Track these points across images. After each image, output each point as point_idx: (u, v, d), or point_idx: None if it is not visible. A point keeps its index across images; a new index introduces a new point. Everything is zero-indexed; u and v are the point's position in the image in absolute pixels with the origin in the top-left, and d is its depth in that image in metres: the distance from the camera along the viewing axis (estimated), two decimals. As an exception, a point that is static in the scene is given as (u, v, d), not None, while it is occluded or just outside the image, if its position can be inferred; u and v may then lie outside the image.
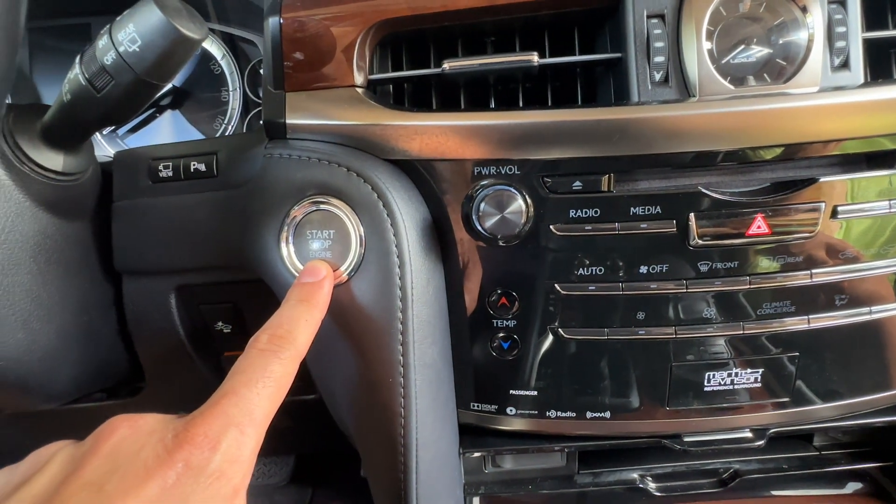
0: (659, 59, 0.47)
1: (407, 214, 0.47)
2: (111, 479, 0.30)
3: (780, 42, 0.46)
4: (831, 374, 0.52)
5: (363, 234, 0.46)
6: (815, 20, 0.46)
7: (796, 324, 0.50)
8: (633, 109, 0.46)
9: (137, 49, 0.41)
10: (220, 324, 0.60)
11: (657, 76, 0.47)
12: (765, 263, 0.48)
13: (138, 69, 0.41)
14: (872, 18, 0.48)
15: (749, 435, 0.55)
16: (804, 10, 0.46)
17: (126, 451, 0.32)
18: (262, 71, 0.66)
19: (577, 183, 0.47)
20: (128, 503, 0.29)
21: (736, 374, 0.51)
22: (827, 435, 0.64)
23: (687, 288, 0.48)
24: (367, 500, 0.56)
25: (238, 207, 0.51)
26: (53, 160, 0.47)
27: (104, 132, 0.76)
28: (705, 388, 0.52)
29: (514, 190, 0.46)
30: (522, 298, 0.50)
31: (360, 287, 0.47)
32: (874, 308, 0.50)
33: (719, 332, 0.50)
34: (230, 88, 0.74)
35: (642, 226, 0.47)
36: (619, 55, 0.48)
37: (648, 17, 0.47)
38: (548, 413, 0.53)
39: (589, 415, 0.53)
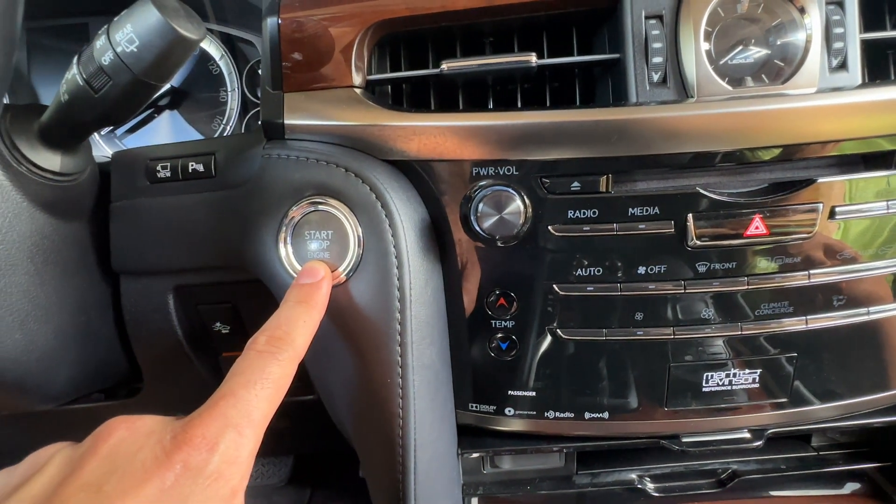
0: (657, 59, 0.47)
1: (405, 215, 0.47)
2: (109, 480, 0.30)
3: (778, 43, 0.46)
4: (829, 374, 0.52)
5: (361, 235, 0.46)
6: (813, 21, 0.46)
7: (794, 324, 0.50)
8: (631, 110, 0.46)
9: (135, 49, 0.41)
10: (218, 324, 0.60)
11: (655, 77, 0.47)
12: (763, 264, 0.48)
13: (136, 69, 0.41)
14: (870, 19, 0.48)
15: (747, 435, 0.55)
16: (802, 11, 0.46)
17: (124, 453, 0.32)
18: (260, 71, 0.66)
19: (576, 183, 0.47)
20: None
21: (734, 375, 0.51)
22: (825, 435, 0.64)
23: (685, 289, 0.48)
24: (366, 501, 0.56)
25: (236, 208, 0.51)
26: (51, 160, 0.47)
27: (102, 132, 0.75)
28: (703, 389, 0.52)
29: (512, 190, 0.46)
30: (521, 299, 0.50)
31: (359, 288, 0.47)
32: (872, 308, 0.50)
33: (717, 333, 0.50)
34: (228, 89, 0.74)
35: (640, 226, 0.47)
36: (617, 56, 0.48)
37: (646, 17, 0.47)
38: (546, 413, 0.53)
39: (587, 415, 0.53)
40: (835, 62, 0.47)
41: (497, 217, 0.46)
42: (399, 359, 0.47)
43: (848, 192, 0.47)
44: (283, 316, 0.41)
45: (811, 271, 0.48)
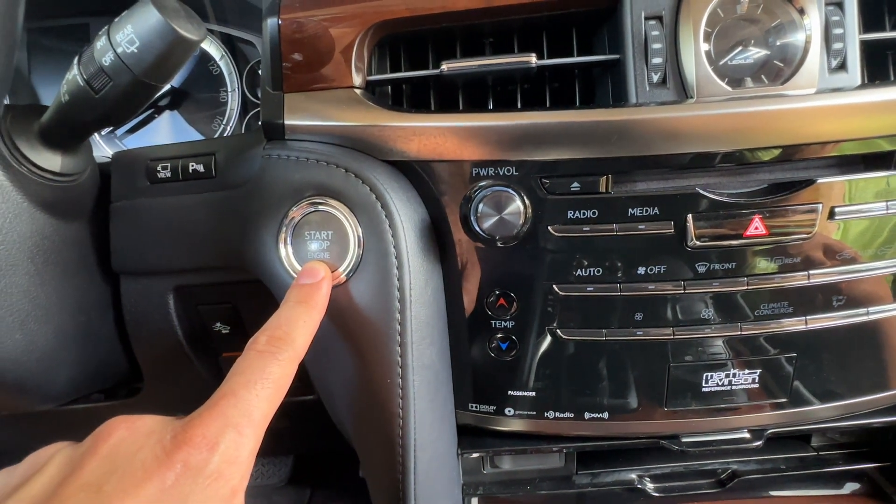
0: (657, 60, 0.47)
1: (405, 215, 0.47)
2: (109, 479, 0.30)
3: (778, 44, 0.47)
4: (829, 374, 0.52)
5: (361, 235, 0.46)
6: (813, 22, 0.46)
7: (794, 325, 0.50)
8: (630, 111, 0.46)
9: (136, 50, 0.41)
10: (218, 324, 0.60)
11: (655, 77, 0.47)
12: (762, 264, 0.48)
13: (136, 70, 0.41)
14: (869, 20, 0.48)
15: (747, 435, 0.55)
16: (801, 11, 0.46)
17: (124, 453, 0.32)
18: (260, 72, 0.66)
19: (576, 184, 0.47)
20: None
21: (734, 375, 0.52)
22: (825, 435, 0.64)
23: (685, 289, 0.48)
24: (366, 501, 0.56)
25: (236, 208, 0.51)
26: (51, 161, 0.47)
27: (102, 133, 0.76)
28: (703, 389, 0.52)
29: (512, 191, 0.46)
30: (521, 299, 0.50)
31: (359, 288, 0.47)
32: (871, 309, 0.50)
33: (717, 333, 0.50)
34: (229, 89, 0.74)
35: (640, 227, 0.47)
36: (616, 56, 0.48)
37: (646, 18, 0.47)
38: (546, 413, 0.53)
39: (587, 415, 0.53)
40: (834, 63, 0.47)
41: (497, 217, 0.46)
42: (399, 359, 0.47)
43: (847, 193, 0.47)
44: (284, 316, 0.41)
45: (811, 272, 0.48)
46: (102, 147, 0.75)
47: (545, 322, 0.50)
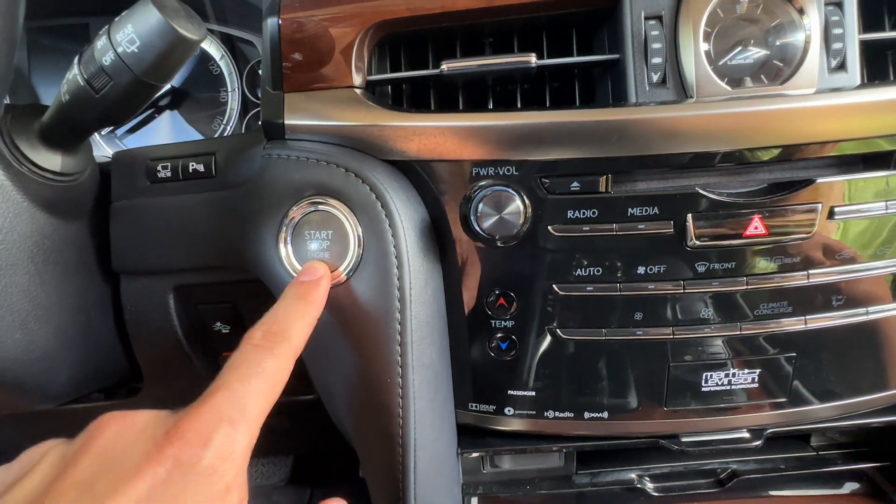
0: (656, 60, 0.47)
1: (405, 215, 0.47)
2: (101, 478, 0.30)
3: (777, 43, 0.47)
4: (828, 374, 0.52)
5: (361, 235, 0.46)
6: (812, 22, 0.46)
7: (793, 324, 0.50)
8: (630, 110, 0.46)
9: (136, 50, 0.41)
10: (218, 324, 0.60)
11: (655, 77, 0.47)
12: (762, 264, 0.48)
13: (137, 70, 0.41)
14: (869, 20, 0.48)
15: (746, 435, 0.55)
16: (801, 11, 0.46)
17: (116, 449, 0.31)
18: (260, 71, 0.66)
19: (575, 184, 0.47)
20: (118, 502, 0.29)
21: (733, 375, 0.52)
22: (824, 435, 0.64)
23: (684, 289, 0.48)
24: (366, 501, 0.56)
25: (236, 208, 0.51)
26: (51, 160, 0.47)
27: (103, 133, 0.76)
28: (703, 389, 0.52)
29: (512, 191, 0.46)
30: (520, 299, 0.50)
31: (359, 287, 0.47)
32: (871, 308, 0.50)
33: (717, 333, 0.50)
34: (229, 89, 0.74)
35: (640, 226, 0.47)
36: (616, 56, 0.48)
37: (646, 18, 0.47)
38: (546, 413, 0.53)
39: (587, 415, 0.53)
40: (834, 63, 0.47)
41: (497, 217, 0.46)
42: (399, 358, 0.47)
43: (847, 193, 0.47)
44: (281, 311, 0.41)
45: (810, 271, 0.48)
46: (102, 147, 0.75)
47: (545, 322, 0.51)
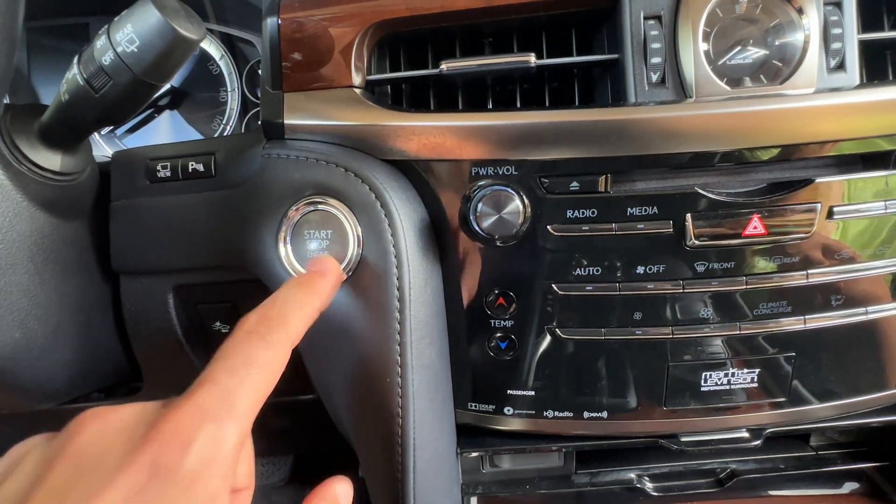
0: (656, 60, 0.47)
1: (405, 215, 0.47)
2: (77, 485, 0.27)
3: (777, 43, 0.47)
4: (828, 374, 0.52)
5: (361, 235, 0.46)
6: (811, 22, 0.46)
7: (793, 324, 0.50)
8: (629, 110, 0.46)
9: (135, 49, 0.41)
10: (217, 324, 0.60)
11: (654, 77, 0.47)
12: (761, 264, 0.48)
13: (136, 69, 0.41)
14: (868, 20, 0.48)
15: (746, 435, 0.55)
16: (800, 11, 0.46)
17: (94, 452, 0.29)
18: (260, 71, 0.66)
19: (575, 183, 0.47)
20: None
21: (733, 374, 0.52)
22: (824, 435, 0.64)
23: (684, 288, 0.49)
24: (366, 501, 0.56)
25: (236, 207, 0.51)
26: (51, 160, 0.47)
27: (102, 132, 0.76)
28: (702, 388, 0.52)
29: (511, 190, 0.46)
30: (520, 298, 0.50)
31: (358, 287, 0.47)
32: (870, 308, 0.50)
33: (716, 333, 0.50)
34: (228, 89, 0.74)
35: (639, 226, 0.47)
36: (616, 56, 0.48)
37: (645, 18, 0.47)
38: (545, 413, 0.53)
39: (586, 415, 0.53)
40: (833, 62, 0.47)
41: (496, 217, 0.46)
42: (398, 358, 0.47)
43: (846, 192, 0.47)
44: (280, 297, 0.38)
45: (809, 271, 0.48)
46: (102, 146, 0.75)
47: (544, 321, 0.51)
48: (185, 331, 0.59)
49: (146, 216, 0.54)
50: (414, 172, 0.49)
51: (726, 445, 0.55)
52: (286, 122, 0.50)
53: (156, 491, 0.27)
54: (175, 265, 0.55)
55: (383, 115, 0.48)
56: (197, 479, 0.28)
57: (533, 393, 0.53)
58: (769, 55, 0.47)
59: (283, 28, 0.49)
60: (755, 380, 0.52)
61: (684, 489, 0.61)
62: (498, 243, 0.48)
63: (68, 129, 0.47)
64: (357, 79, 0.49)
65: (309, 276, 0.41)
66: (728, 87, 0.46)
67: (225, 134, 0.75)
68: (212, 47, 0.74)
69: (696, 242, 0.47)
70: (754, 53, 0.47)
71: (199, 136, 0.75)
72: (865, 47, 0.48)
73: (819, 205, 0.47)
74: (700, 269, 0.48)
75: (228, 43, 0.74)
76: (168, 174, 0.53)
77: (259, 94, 0.66)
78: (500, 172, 0.47)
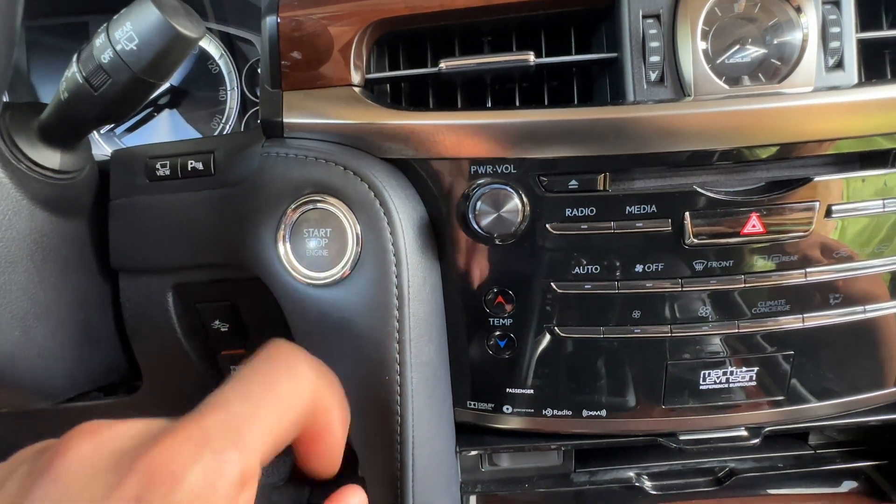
0: (654, 58, 0.47)
1: (404, 213, 0.47)
2: None
3: (775, 42, 0.47)
4: (826, 372, 0.53)
5: (360, 233, 0.47)
6: (810, 20, 0.46)
7: (791, 322, 0.50)
8: (628, 109, 0.46)
9: (135, 47, 0.41)
10: (217, 322, 0.60)
11: (653, 76, 0.47)
12: (760, 262, 0.48)
13: (135, 68, 0.41)
14: (866, 19, 0.49)
15: (744, 433, 0.55)
16: (798, 10, 0.46)
17: (79, 480, 0.26)
18: (259, 70, 0.66)
19: (573, 182, 0.47)
20: None
21: (731, 373, 0.52)
22: (822, 433, 0.64)
23: (682, 287, 0.49)
24: (365, 500, 0.56)
25: (235, 206, 0.51)
26: (50, 158, 0.47)
27: (101, 131, 0.76)
28: (701, 387, 0.52)
29: (510, 189, 0.47)
30: (519, 297, 0.50)
31: (357, 285, 0.47)
32: (868, 307, 0.50)
33: (715, 331, 0.50)
34: (228, 88, 0.74)
35: (638, 225, 0.47)
36: (614, 55, 0.48)
37: (644, 17, 0.47)
38: (544, 411, 0.53)
39: (585, 413, 0.53)
40: (831, 61, 0.47)
41: (495, 215, 0.46)
42: (397, 356, 0.47)
43: (844, 191, 0.47)
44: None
45: (808, 269, 0.48)
46: (102, 145, 0.75)
47: (543, 320, 0.51)
48: (185, 329, 0.59)
49: (145, 214, 0.54)
50: (413, 171, 0.49)
51: (725, 444, 0.55)
52: (285, 120, 0.50)
53: None
54: (174, 263, 0.55)
55: (382, 113, 0.48)
56: None
57: (532, 391, 0.53)
58: (768, 54, 0.47)
59: (283, 27, 0.49)
60: (754, 378, 0.52)
61: (683, 488, 0.61)
62: (497, 242, 0.48)
63: (68, 128, 0.47)
64: (356, 77, 0.49)
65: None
66: (726, 86, 0.46)
67: (224, 133, 0.75)
68: (211, 46, 0.74)
69: (695, 241, 0.47)
70: (753, 52, 0.47)
71: (198, 136, 0.75)
72: (864, 46, 0.48)
73: (817, 203, 0.47)
74: (699, 267, 0.48)
75: (228, 42, 0.74)
76: (167, 172, 0.53)
77: (258, 93, 0.66)
78: (499, 171, 0.47)
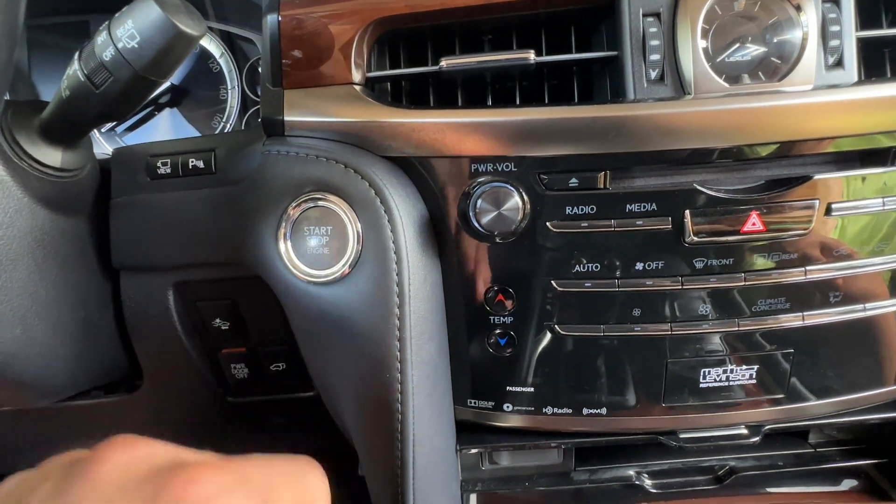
0: (654, 57, 0.47)
1: (404, 211, 0.47)
2: None
3: (775, 40, 0.47)
4: (826, 370, 0.53)
5: (360, 231, 0.47)
6: (810, 19, 0.46)
7: (791, 320, 0.50)
8: (628, 107, 0.46)
9: (136, 45, 0.41)
10: (217, 321, 0.60)
11: (653, 74, 0.47)
12: (759, 260, 0.48)
13: (137, 65, 0.42)
14: (866, 17, 0.49)
15: (744, 431, 0.55)
16: (798, 8, 0.46)
17: (115, 486, 0.26)
18: (260, 69, 0.66)
19: (574, 180, 0.47)
20: None
21: (731, 371, 0.52)
22: (822, 432, 0.64)
23: (682, 285, 0.49)
24: (365, 499, 0.57)
25: (236, 204, 0.51)
26: (52, 156, 0.47)
27: (102, 129, 0.76)
28: (701, 385, 0.52)
29: (510, 187, 0.47)
30: (519, 295, 0.50)
31: (358, 283, 0.47)
32: (868, 305, 0.51)
33: (715, 329, 0.50)
34: (228, 87, 0.74)
35: (638, 223, 0.47)
36: (615, 53, 0.48)
37: (644, 15, 0.47)
38: (544, 409, 0.54)
39: (585, 411, 0.53)
40: (831, 60, 0.47)
41: (495, 213, 0.46)
42: (398, 354, 0.47)
43: (844, 189, 0.47)
44: None
45: (808, 267, 0.49)
46: (102, 144, 0.75)
47: (543, 318, 0.51)
48: (185, 328, 0.59)
49: (146, 213, 0.54)
50: (413, 169, 0.49)
51: (725, 442, 0.55)
52: (286, 118, 0.50)
53: None
54: (175, 262, 0.55)
55: (383, 111, 0.48)
56: None
57: (532, 389, 0.53)
58: (767, 52, 0.47)
59: (284, 25, 0.49)
60: (754, 376, 0.52)
61: (683, 486, 0.61)
62: (497, 240, 0.48)
63: (69, 126, 0.47)
64: (357, 76, 0.50)
65: None
66: (726, 84, 0.46)
67: (225, 132, 0.75)
68: (212, 45, 0.74)
69: (695, 239, 0.47)
70: (753, 51, 0.47)
71: (199, 134, 0.75)
72: (864, 44, 0.48)
73: (817, 201, 0.47)
74: (699, 265, 0.48)
75: (228, 41, 0.74)
76: (168, 171, 0.53)
77: (259, 92, 0.66)
78: (500, 169, 0.47)
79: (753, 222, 0.47)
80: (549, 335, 0.51)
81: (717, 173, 0.48)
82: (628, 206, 0.47)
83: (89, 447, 0.30)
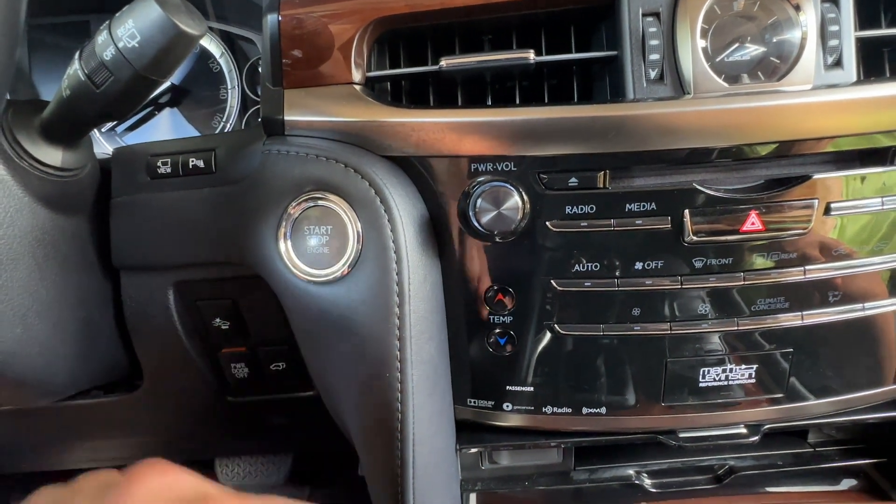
0: (654, 56, 0.47)
1: (404, 211, 0.47)
2: None
3: (774, 40, 0.47)
4: (825, 370, 0.53)
5: (360, 230, 0.47)
6: (809, 19, 0.46)
7: (790, 320, 0.50)
8: (628, 106, 0.46)
9: (136, 45, 0.41)
10: (217, 320, 0.60)
11: (652, 74, 0.47)
12: (759, 260, 0.48)
13: (137, 65, 0.42)
14: (865, 17, 0.49)
15: (744, 431, 0.55)
16: (798, 8, 0.46)
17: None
18: (260, 69, 0.67)
19: (573, 179, 0.47)
20: None
21: (730, 370, 0.52)
22: (821, 431, 0.64)
23: (682, 284, 0.49)
24: (365, 499, 0.57)
25: (236, 203, 0.51)
26: (52, 156, 0.47)
27: (103, 129, 0.76)
28: (700, 384, 0.52)
29: (510, 186, 0.47)
30: (519, 295, 0.50)
31: (358, 283, 0.47)
32: (867, 304, 0.51)
33: (714, 329, 0.50)
34: (228, 86, 0.74)
35: (637, 222, 0.47)
36: (614, 53, 0.48)
37: (644, 15, 0.47)
38: (544, 409, 0.54)
39: (585, 411, 0.53)
40: (830, 59, 0.47)
41: (495, 213, 0.47)
42: (398, 353, 0.47)
43: (843, 189, 0.47)
44: None
45: (807, 267, 0.49)
46: (103, 144, 0.75)
47: (543, 317, 0.51)
48: (186, 327, 0.59)
49: (147, 212, 0.54)
50: (413, 169, 0.49)
51: (724, 441, 0.55)
52: (286, 118, 0.50)
53: None
54: (175, 261, 0.55)
55: (383, 111, 0.48)
56: None
57: (532, 389, 0.53)
58: (767, 52, 0.47)
59: (284, 25, 0.49)
60: (753, 376, 0.52)
61: (682, 485, 0.61)
62: (497, 239, 0.48)
63: (69, 125, 0.47)
64: (357, 75, 0.50)
65: None
66: (726, 84, 0.46)
67: (225, 131, 0.75)
68: (212, 45, 0.74)
69: (694, 238, 0.47)
70: (752, 50, 0.47)
71: (199, 134, 0.75)
72: (863, 44, 0.48)
73: (816, 201, 0.47)
74: (698, 265, 0.48)
75: (228, 41, 0.75)
76: (168, 170, 0.53)
77: (259, 92, 0.66)
78: (500, 168, 0.47)
79: (753, 222, 0.47)
80: (548, 334, 0.51)
81: (717, 173, 0.48)
82: (628, 205, 0.47)
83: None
